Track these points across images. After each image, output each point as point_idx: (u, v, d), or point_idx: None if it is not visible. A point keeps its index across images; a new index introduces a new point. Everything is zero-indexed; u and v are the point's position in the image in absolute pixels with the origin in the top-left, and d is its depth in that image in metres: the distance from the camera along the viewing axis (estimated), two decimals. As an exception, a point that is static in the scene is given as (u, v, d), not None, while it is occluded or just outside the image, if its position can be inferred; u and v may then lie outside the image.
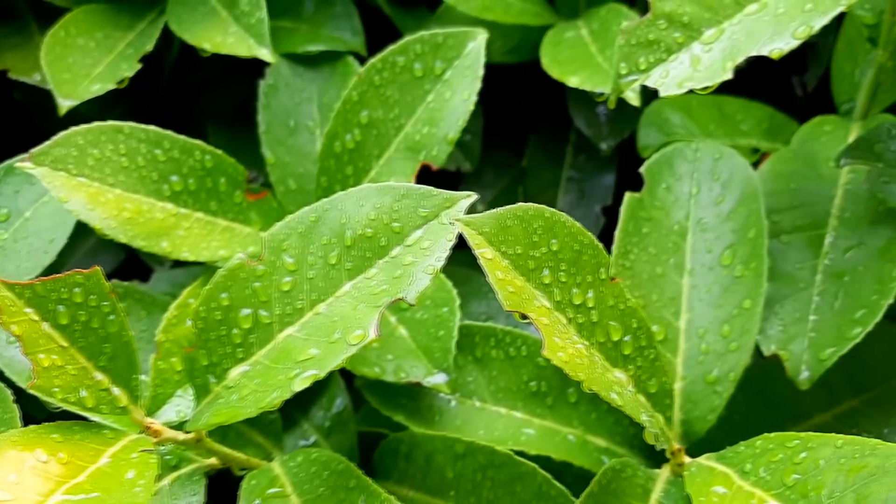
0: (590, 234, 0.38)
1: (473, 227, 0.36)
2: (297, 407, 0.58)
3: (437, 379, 0.50)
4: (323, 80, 0.64)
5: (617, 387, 0.36)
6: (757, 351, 0.50)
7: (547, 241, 0.37)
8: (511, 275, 0.35)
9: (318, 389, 0.59)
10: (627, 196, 0.52)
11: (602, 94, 0.56)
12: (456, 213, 0.38)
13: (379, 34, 0.69)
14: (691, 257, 0.51)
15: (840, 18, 0.63)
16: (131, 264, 0.76)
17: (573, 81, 0.58)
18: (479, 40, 0.55)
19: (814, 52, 0.70)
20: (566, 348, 0.34)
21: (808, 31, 0.41)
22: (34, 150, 0.47)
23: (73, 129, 0.49)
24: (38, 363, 0.36)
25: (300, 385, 0.36)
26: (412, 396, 0.53)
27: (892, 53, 0.56)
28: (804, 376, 0.48)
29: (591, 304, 0.38)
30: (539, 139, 0.73)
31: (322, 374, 0.36)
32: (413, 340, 0.52)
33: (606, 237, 0.49)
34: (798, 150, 0.55)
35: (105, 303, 0.37)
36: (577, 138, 0.73)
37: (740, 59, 0.42)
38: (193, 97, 0.77)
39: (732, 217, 0.51)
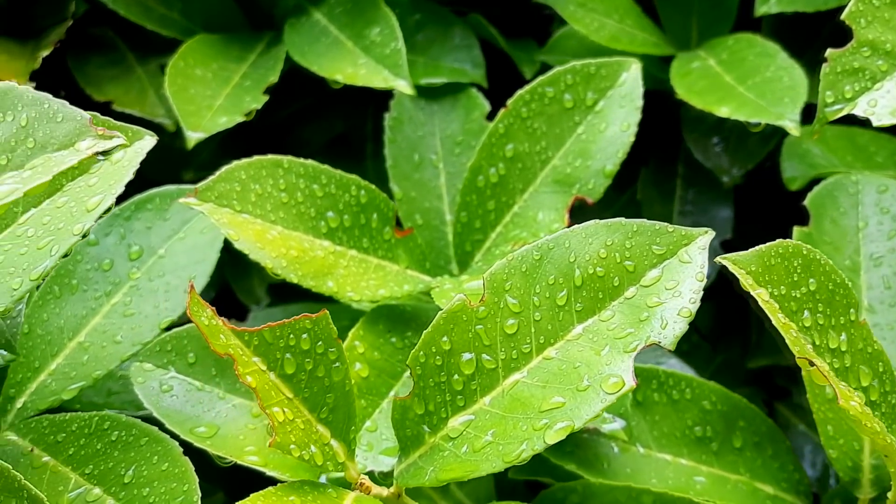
0: (841, 273, 0.36)
1: (741, 266, 0.33)
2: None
3: (616, 425, 0.48)
4: (444, 114, 0.62)
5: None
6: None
7: (806, 281, 0.35)
8: (787, 317, 0.33)
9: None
10: (796, 230, 0.51)
11: (758, 125, 0.55)
12: (695, 250, 0.36)
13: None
14: (867, 294, 0.49)
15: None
16: (224, 302, 0.73)
17: (723, 112, 0.56)
18: (632, 70, 0.53)
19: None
20: (851, 396, 0.31)
21: None
22: (199, 186, 0.45)
23: (236, 163, 0.46)
24: (275, 417, 0.33)
25: (553, 438, 0.34)
26: (578, 444, 0.50)
27: None
28: None
29: (843, 348, 0.36)
30: (648, 173, 0.71)
31: (578, 424, 0.34)
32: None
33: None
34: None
35: (332, 349, 0.35)
36: (686, 171, 0.71)
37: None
38: (286, 130, 0.75)
39: (910, 251, 0.49)
